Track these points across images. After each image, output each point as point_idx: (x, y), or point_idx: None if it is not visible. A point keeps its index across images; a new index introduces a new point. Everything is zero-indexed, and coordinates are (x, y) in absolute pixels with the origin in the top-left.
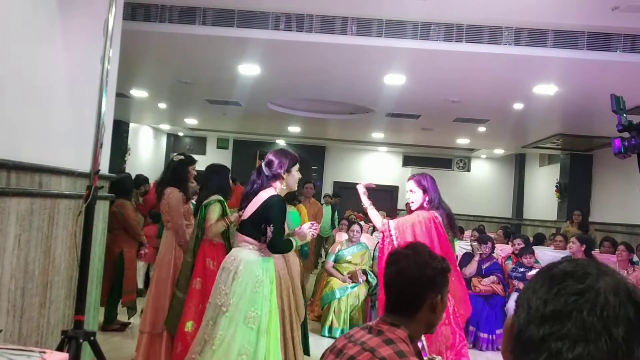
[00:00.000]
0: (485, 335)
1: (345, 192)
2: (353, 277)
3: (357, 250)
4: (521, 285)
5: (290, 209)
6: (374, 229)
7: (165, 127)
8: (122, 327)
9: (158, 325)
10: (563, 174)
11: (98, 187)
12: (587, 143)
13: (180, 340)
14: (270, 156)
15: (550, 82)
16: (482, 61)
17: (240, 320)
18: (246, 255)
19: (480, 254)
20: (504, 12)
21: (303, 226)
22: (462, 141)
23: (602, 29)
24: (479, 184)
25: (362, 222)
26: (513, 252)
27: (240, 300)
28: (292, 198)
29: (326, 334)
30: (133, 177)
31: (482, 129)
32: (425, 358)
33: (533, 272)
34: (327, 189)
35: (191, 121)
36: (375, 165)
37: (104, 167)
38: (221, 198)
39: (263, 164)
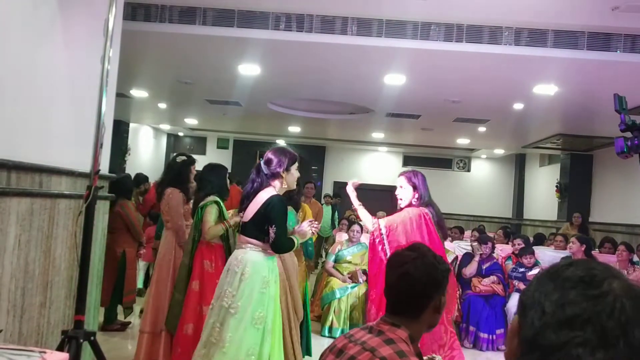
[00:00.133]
0: (486, 335)
1: (346, 192)
2: (353, 277)
3: (357, 250)
4: (521, 286)
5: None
6: None
7: (166, 127)
8: (122, 327)
9: (158, 325)
10: (563, 174)
11: (98, 187)
12: (587, 143)
13: (179, 343)
14: (269, 154)
15: (550, 82)
16: (482, 61)
17: (248, 321)
18: (252, 256)
19: (481, 254)
20: (504, 12)
21: (302, 224)
22: (462, 141)
23: (602, 29)
24: (479, 184)
25: (362, 222)
26: (513, 252)
27: (248, 302)
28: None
29: (326, 334)
30: (133, 176)
31: (482, 129)
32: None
33: (533, 272)
34: (327, 189)
35: (191, 121)
36: (375, 165)
37: (104, 167)
38: (218, 199)
39: (262, 163)
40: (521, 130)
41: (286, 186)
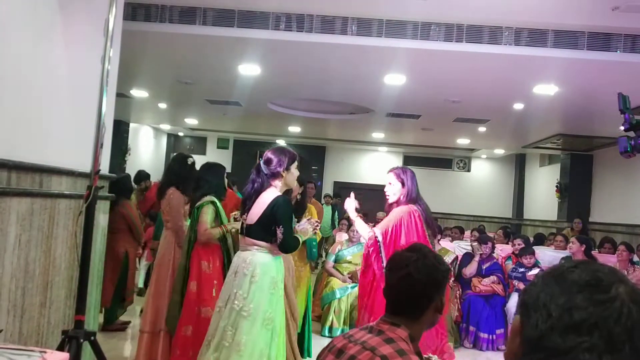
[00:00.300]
0: (486, 335)
1: (346, 192)
2: (353, 277)
3: (357, 250)
4: (521, 286)
5: None
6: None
7: (166, 127)
8: (123, 327)
9: (157, 325)
10: (563, 174)
11: (98, 187)
12: (587, 143)
13: (178, 345)
14: (268, 154)
15: (550, 82)
16: (482, 61)
17: (260, 322)
18: (260, 258)
19: (481, 254)
20: (504, 12)
21: (301, 222)
22: (463, 141)
23: (602, 29)
24: (479, 184)
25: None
26: (513, 252)
27: (259, 303)
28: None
29: (326, 334)
30: (134, 174)
31: (482, 129)
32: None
33: (533, 272)
34: (327, 189)
35: (191, 121)
36: (375, 165)
37: (105, 167)
38: (214, 199)
39: (261, 162)
40: (521, 130)
41: (286, 185)
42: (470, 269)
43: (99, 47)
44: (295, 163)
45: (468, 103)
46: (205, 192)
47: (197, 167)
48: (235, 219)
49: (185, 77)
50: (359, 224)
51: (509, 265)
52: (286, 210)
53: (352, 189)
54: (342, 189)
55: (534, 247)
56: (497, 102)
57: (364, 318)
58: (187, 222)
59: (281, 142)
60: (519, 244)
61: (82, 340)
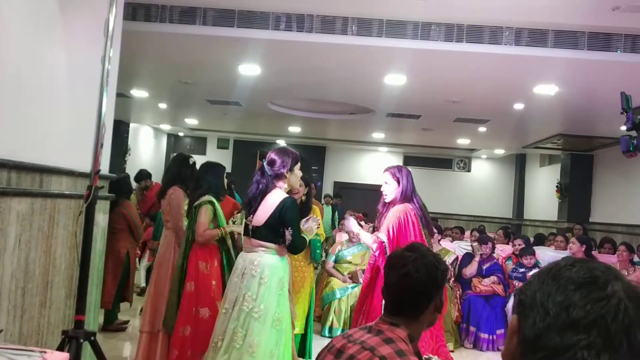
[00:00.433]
0: (486, 336)
1: (346, 193)
2: (353, 278)
3: (357, 251)
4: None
5: None
6: (374, 228)
7: (166, 127)
8: (122, 328)
9: (156, 325)
10: (564, 174)
11: (98, 187)
12: (587, 143)
13: (176, 345)
14: (272, 155)
15: (550, 82)
16: (483, 61)
17: (269, 323)
18: (267, 259)
19: (481, 255)
20: (505, 12)
21: (303, 222)
22: (463, 141)
23: (602, 29)
24: (480, 184)
25: (362, 222)
26: (513, 253)
27: (269, 305)
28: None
29: (326, 334)
30: (134, 174)
31: (482, 129)
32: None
33: (533, 272)
34: (328, 189)
35: (191, 121)
36: (375, 166)
37: (105, 167)
38: (212, 199)
39: (265, 164)
40: (521, 130)
41: (289, 186)
42: (470, 269)
43: (99, 47)
44: (298, 164)
45: (468, 103)
46: (203, 192)
47: (197, 167)
48: (235, 222)
49: (186, 77)
50: (364, 235)
51: (509, 265)
52: (294, 212)
53: (352, 189)
54: (342, 189)
55: (534, 248)
56: (497, 102)
57: (358, 322)
58: (186, 222)
59: (281, 142)
60: (519, 244)
61: (82, 341)
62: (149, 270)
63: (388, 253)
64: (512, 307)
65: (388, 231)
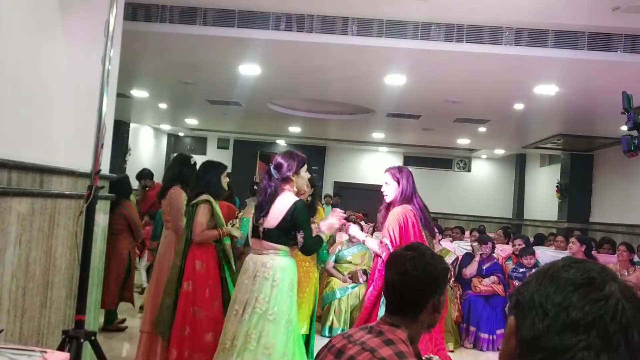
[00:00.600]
0: (486, 336)
1: (346, 193)
2: (353, 277)
3: (357, 251)
4: None
5: None
6: (374, 229)
7: (166, 127)
8: (122, 328)
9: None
10: (564, 174)
11: (99, 187)
12: (587, 143)
13: (175, 346)
14: (278, 159)
15: (550, 82)
16: (483, 61)
17: (283, 324)
18: (279, 262)
19: (481, 254)
20: (505, 12)
21: (329, 217)
22: (463, 141)
23: (602, 29)
24: (480, 184)
25: (362, 223)
26: (513, 253)
27: (282, 306)
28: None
29: (326, 334)
30: (136, 173)
31: (482, 129)
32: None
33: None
34: (328, 189)
35: (192, 121)
36: (375, 166)
37: (105, 167)
38: (209, 198)
39: (272, 168)
40: (521, 130)
41: (296, 189)
42: (470, 269)
43: (99, 47)
44: (305, 166)
45: (468, 103)
46: (200, 191)
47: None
48: (234, 225)
49: (186, 77)
50: (370, 242)
51: (509, 265)
52: (305, 215)
53: (352, 189)
54: (343, 189)
55: (534, 248)
56: (497, 103)
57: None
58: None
59: (281, 142)
60: (519, 244)
61: (82, 340)
62: (148, 270)
63: None
64: (509, 307)
65: (389, 234)
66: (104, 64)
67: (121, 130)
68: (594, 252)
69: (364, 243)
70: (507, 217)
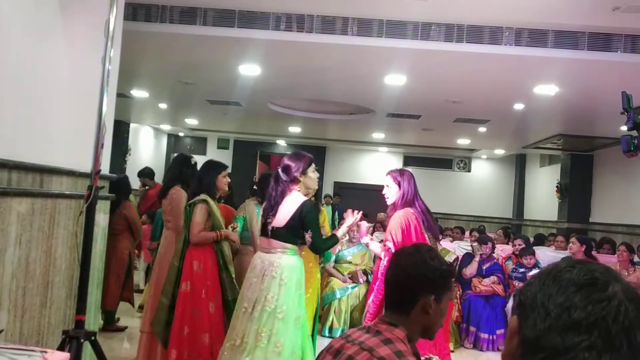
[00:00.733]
0: (486, 336)
1: (346, 193)
2: (353, 278)
3: (357, 251)
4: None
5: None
6: (374, 229)
7: (166, 127)
8: (122, 328)
9: None
10: (564, 174)
11: (99, 187)
12: (587, 143)
13: (175, 346)
14: (286, 161)
15: (550, 82)
16: (483, 61)
17: (292, 322)
18: (287, 261)
19: (481, 255)
20: (505, 13)
21: (346, 220)
22: (463, 141)
23: (602, 30)
24: (480, 185)
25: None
26: (513, 253)
27: (291, 305)
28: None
29: (326, 334)
30: (134, 175)
31: (482, 129)
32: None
33: (533, 272)
34: (328, 189)
35: (192, 121)
36: (375, 166)
37: (105, 168)
38: (206, 198)
39: (280, 170)
40: (522, 130)
41: (304, 189)
42: (470, 269)
43: (99, 47)
44: (312, 166)
45: (468, 103)
46: (196, 191)
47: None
48: (234, 228)
49: (186, 77)
50: (373, 245)
51: (509, 265)
52: (314, 215)
53: (352, 189)
54: (343, 189)
55: (534, 248)
56: (497, 103)
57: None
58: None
59: (281, 143)
60: (519, 244)
61: (82, 340)
62: (147, 271)
63: None
64: (512, 307)
65: (392, 238)
66: (104, 64)
67: (121, 130)
68: (594, 252)
69: (367, 246)
70: (507, 217)
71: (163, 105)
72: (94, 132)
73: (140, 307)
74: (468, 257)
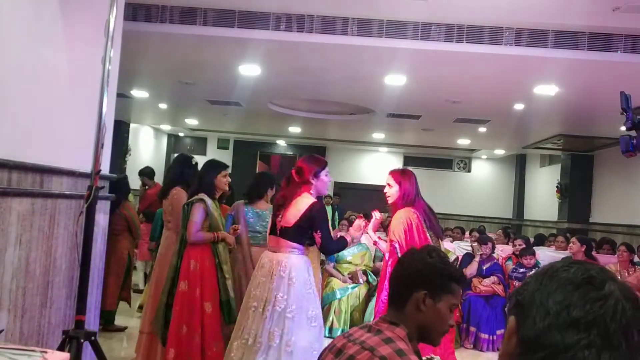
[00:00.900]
0: (486, 336)
1: (346, 193)
2: (353, 278)
3: (357, 251)
4: None
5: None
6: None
7: (166, 127)
8: (122, 328)
9: None
10: (564, 174)
11: (99, 188)
12: (587, 144)
13: (173, 346)
14: (300, 163)
15: (550, 82)
16: (483, 62)
17: (304, 321)
18: (294, 261)
19: (481, 255)
20: (505, 13)
21: (354, 224)
22: (463, 142)
23: (602, 30)
24: (480, 185)
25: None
26: (514, 253)
27: (300, 304)
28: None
29: (327, 334)
30: (134, 175)
31: (482, 129)
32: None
33: (533, 272)
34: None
35: (192, 121)
36: (375, 166)
37: (105, 168)
38: (204, 197)
39: (294, 172)
40: (522, 130)
41: (315, 192)
42: (470, 270)
43: (99, 47)
44: (325, 170)
45: (468, 103)
46: (196, 191)
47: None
48: (235, 230)
49: (186, 77)
50: (381, 244)
51: (510, 265)
52: (324, 216)
53: (353, 189)
54: (343, 190)
55: (535, 248)
56: (497, 103)
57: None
58: None
59: (281, 143)
60: (519, 245)
61: (82, 341)
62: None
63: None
64: (508, 308)
65: (399, 237)
66: (104, 64)
67: (121, 131)
68: (594, 253)
69: (375, 244)
70: (507, 218)
71: (163, 105)
72: (94, 132)
73: (140, 307)
74: (468, 257)
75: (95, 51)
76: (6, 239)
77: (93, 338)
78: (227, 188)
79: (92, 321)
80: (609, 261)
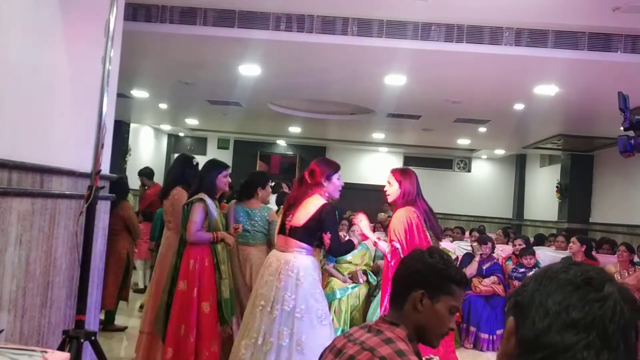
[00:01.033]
0: (486, 336)
1: (346, 193)
2: (353, 278)
3: (357, 251)
4: None
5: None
6: (375, 229)
7: (166, 127)
8: (122, 328)
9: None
10: (564, 174)
11: (99, 188)
12: (588, 144)
13: (171, 345)
14: (313, 165)
15: (551, 82)
16: (483, 62)
17: (315, 320)
18: (302, 261)
19: (481, 255)
20: (505, 13)
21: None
22: (463, 142)
23: (602, 30)
24: (480, 185)
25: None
26: (514, 253)
27: (309, 304)
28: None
29: None
30: (134, 175)
31: (482, 129)
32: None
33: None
34: None
35: (192, 121)
36: (375, 166)
37: (105, 168)
38: (204, 197)
39: (307, 174)
40: (522, 130)
41: (328, 195)
42: (470, 270)
43: (99, 47)
44: (338, 173)
45: (468, 103)
46: (197, 190)
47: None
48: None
49: (186, 77)
50: (381, 244)
51: (510, 265)
52: (333, 218)
53: (352, 189)
54: (343, 189)
55: (535, 248)
56: (497, 103)
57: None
58: None
59: (281, 143)
60: (519, 245)
61: (82, 340)
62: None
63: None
64: (507, 309)
65: (399, 237)
66: (104, 64)
67: (121, 131)
68: (593, 253)
69: (375, 245)
70: (507, 218)
71: (163, 106)
72: (94, 132)
73: (142, 307)
74: (468, 257)
75: (95, 51)
76: (6, 239)
77: (93, 338)
78: (227, 188)
79: (92, 321)
80: (608, 261)
